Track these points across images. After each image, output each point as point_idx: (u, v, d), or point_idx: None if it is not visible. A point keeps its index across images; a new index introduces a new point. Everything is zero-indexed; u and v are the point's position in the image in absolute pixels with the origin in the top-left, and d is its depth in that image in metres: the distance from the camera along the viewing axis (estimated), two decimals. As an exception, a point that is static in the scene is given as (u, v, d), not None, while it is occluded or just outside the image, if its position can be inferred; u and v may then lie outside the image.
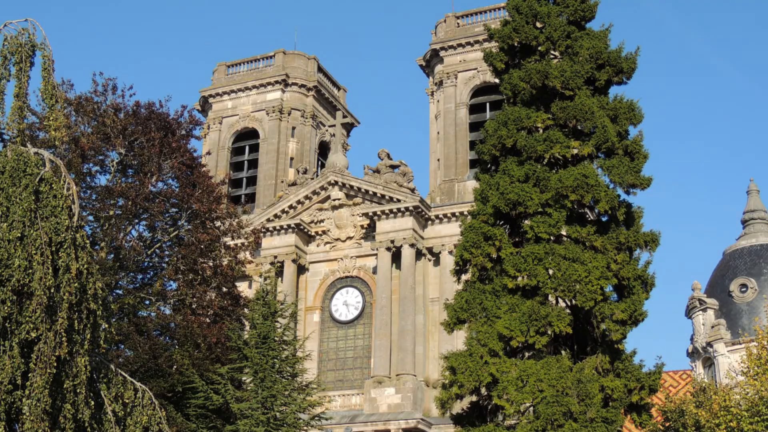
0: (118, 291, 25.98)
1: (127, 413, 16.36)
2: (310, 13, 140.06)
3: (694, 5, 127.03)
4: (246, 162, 48.34)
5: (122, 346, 25.39)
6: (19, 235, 13.73)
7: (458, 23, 46.31)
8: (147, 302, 26.19)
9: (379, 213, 40.96)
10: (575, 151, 23.42)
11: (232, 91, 49.16)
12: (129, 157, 26.39)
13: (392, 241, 40.44)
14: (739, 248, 38.87)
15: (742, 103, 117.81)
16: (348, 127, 53.20)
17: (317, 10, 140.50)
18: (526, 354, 22.18)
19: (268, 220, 42.03)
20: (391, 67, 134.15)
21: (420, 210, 41.09)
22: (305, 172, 44.44)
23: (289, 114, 48.25)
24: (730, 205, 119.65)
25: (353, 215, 42.18)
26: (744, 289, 36.17)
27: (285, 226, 41.89)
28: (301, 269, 42.43)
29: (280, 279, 40.74)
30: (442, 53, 45.50)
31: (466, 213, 30.88)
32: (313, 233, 42.76)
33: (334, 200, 42.51)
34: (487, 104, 43.41)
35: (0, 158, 14.70)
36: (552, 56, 24.77)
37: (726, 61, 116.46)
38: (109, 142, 25.34)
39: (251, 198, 47.00)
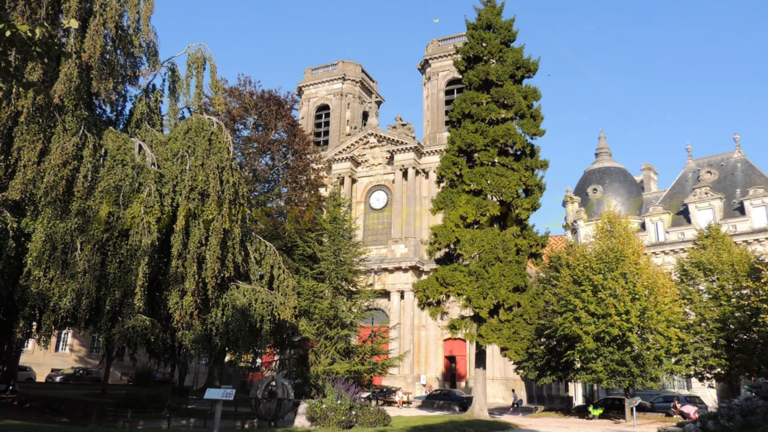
0: (255, 193, 44.25)
1: (261, 258, 27.89)
2: (352, 30, 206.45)
3: (576, 31, 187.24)
4: (323, 123, 79.09)
5: (257, 223, 41.68)
6: (201, 163, 23.94)
7: (440, 44, 74.25)
8: (270, 199, 46.19)
9: (395, 150, 67.94)
10: (503, 116, 36.18)
11: (315, 84, 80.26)
12: (259, 120, 45.90)
13: (403, 166, 67.45)
14: (593, 168, 62.68)
15: (595, 91, 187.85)
16: (378, 103, 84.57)
17: (362, 31, 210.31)
18: (475, 226, 36.02)
19: (335, 155, 70.56)
20: (402, 68, 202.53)
21: (418, 148, 67.57)
22: (355, 128, 75.66)
23: (345, 96, 78.53)
24: (587, 143, 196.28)
25: (381, 151, 69.51)
26: (595, 191, 59.63)
27: (344, 158, 70.29)
28: (354, 181, 70.26)
29: (342, 186, 67.66)
30: (431, 61, 73.60)
31: (443, 150, 49.90)
32: (360, 161, 70.80)
33: (371, 143, 70.45)
34: (455, 90, 69.88)
35: (188, 122, 25.25)
36: (491, 62, 38.33)
37: (585, 63, 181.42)
38: (247, 112, 45.16)
39: (326, 142, 76.05)
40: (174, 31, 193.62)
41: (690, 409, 35.71)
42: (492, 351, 49.29)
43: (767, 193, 49.04)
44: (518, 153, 37.12)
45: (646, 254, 38.11)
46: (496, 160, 35.62)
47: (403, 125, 68.69)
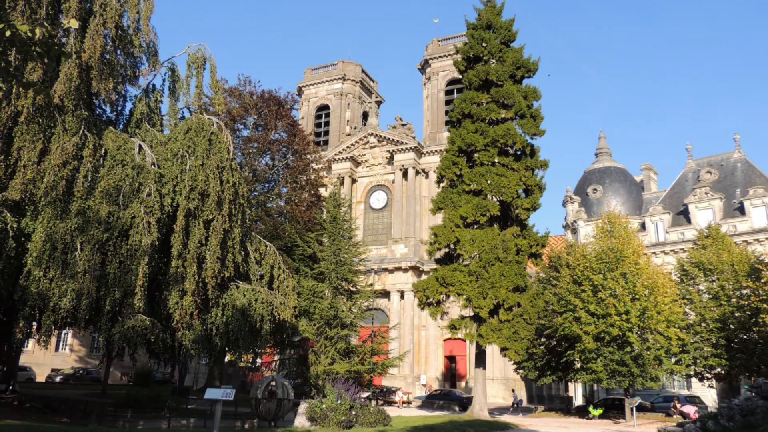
0: (255, 193, 44.58)
1: (261, 258, 28.78)
2: (353, 32, 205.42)
3: (577, 33, 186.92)
4: (323, 123, 78.90)
5: (258, 223, 43.54)
6: (201, 163, 23.86)
7: (440, 44, 74.21)
8: (270, 199, 46.20)
9: (395, 150, 68.00)
10: (503, 116, 37.11)
11: (315, 84, 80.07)
12: (259, 120, 45.88)
13: (403, 166, 67.50)
14: (593, 168, 62.44)
15: (595, 91, 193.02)
16: (378, 103, 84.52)
17: (363, 33, 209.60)
18: (475, 226, 36.08)
19: (335, 155, 70.58)
20: (402, 68, 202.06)
21: (418, 148, 67.57)
22: (355, 128, 75.65)
23: (345, 96, 78.37)
24: (587, 143, 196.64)
25: (381, 151, 69.41)
26: (595, 191, 59.83)
27: (344, 158, 70.25)
28: (354, 181, 70.11)
29: (342, 186, 67.48)
30: (431, 61, 73.71)
31: (443, 150, 50.91)
32: (360, 161, 70.81)
33: (371, 143, 70.30)
34: (455, 90, 69.90)
35: (188, 122, 25.13)
36: (491, 62, 38.54)
37: (585, 63, 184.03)
38: (247, 112, 45.09)
39: (326, 142, 75.96)
40: (174, 31, 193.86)
41: (690, 409, 35.67)
42: (492, 351, 49.30)
43: (767, 193, 49.04)
44: (518, 153, 37.19)
45: (646, 254, 38.10)
46: (496, 160, 35.62)
47: (403, 125, 68.74)
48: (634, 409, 33.29)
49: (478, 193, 35.51)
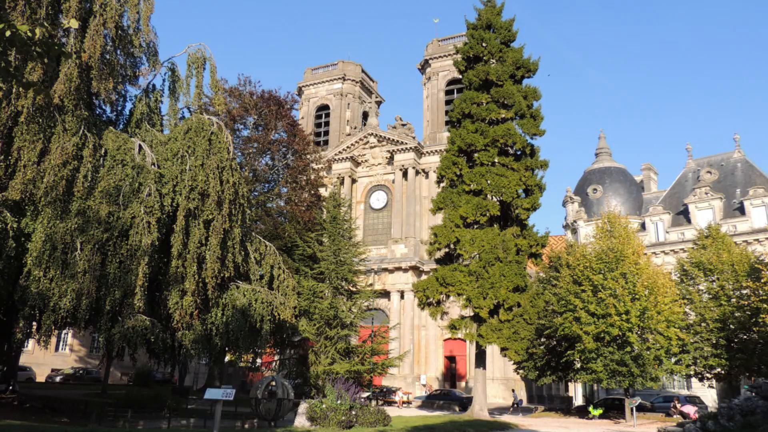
0: (255, 193, 44.68)
1: (261, 258, 28.60)
2: (353, 32, 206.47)
3: (581, 35, 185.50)
4: (323, 123, 78.93)
5: (258, 222, 43.33)
6: (201, 163, 23.85)
7: (440, 44, 74.42)
8: (270, 199, 46.25)
9: (395, 150, 68.10)
10: (503, 116, 37.19)
11: (315, 83, 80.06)
12: (259, 120, 45.95)
13: (403, 166, 67.63)
14: (593, 168, 62.44)
15: (595, 91, 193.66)
16: (378, 103, 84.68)
17: (364, 34, 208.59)
18: (475, 226, 36.13)
19: (335, 155, 70.57)
20: (402, 68, 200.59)
21: (418, 148, 67.67)
22: (355, 128, 75.73)
23: (345, 96, 78.25)
24: (587, 143, 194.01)
25: (381, 151, 69.49)
26: (595, 191, 59.80)
27: (344, 158, 70.31)
28: (354, 181, 70.15)
29: (342, 186, 67.64)
30: (431, 61, 73.82)
31: (443, 150, 51.83)
32: (360, 161, 70.91)
33: (371, 143, 70.37)
34: (455, 90, 69.79)
35: (188, 122, 25.04)
36: (491, 62, 38.72)
37: (586, 63, 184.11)
38: (247, 112, 45.19)
39: (326, 142, 76.01)
40: (174, 31, 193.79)
41: (690, 409, 35.67)
42: (492, 351, 49.32)
43: (767, 193, 49.05)
44: (518, 153, 37.24)
45: (646, 254, 38.10)
46: (496, 160, 35.64)
47: (403, 125, 68.70)
48: (634, 409, 33.29)
49: (478, 193, 35.53)
